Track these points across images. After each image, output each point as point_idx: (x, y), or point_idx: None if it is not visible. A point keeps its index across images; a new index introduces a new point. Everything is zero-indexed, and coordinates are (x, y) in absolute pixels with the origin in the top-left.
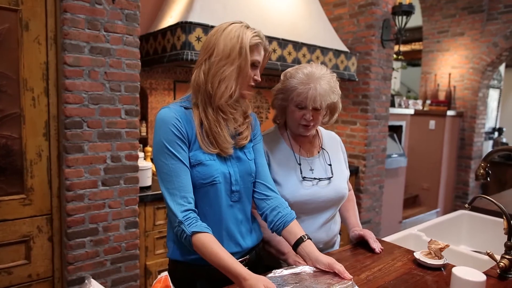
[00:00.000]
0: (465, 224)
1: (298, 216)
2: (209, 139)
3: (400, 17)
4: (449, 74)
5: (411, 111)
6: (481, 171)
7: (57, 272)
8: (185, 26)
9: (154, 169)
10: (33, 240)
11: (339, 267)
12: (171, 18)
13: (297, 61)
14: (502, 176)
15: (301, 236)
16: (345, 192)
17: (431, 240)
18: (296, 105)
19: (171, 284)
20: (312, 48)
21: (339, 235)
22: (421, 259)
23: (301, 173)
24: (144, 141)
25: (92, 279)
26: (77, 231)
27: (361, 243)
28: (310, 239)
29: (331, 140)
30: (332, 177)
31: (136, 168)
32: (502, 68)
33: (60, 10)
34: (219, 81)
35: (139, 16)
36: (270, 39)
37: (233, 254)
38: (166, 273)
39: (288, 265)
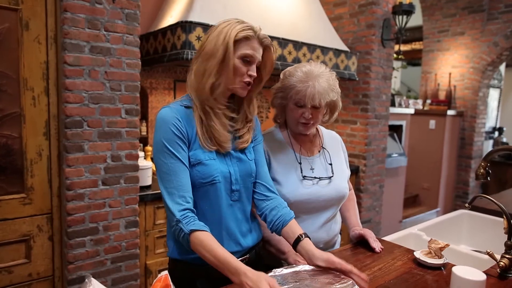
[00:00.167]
0: (465, 223)
1: (299, 216)
2: (208, 135)
3: (400, 17)
4: (450, 74)
5: (411, 110)
6: (481, 170)
7: (57, 271)
8: (185, 26)
9: (154, 169)
10: (33, 239)
11: (338, 260)
12: (171, 17)
13: (297, 61)
14: (502, 175)
15: (299, 235)
16: (346, 192)
17: (431, 239)
18: (295, 103)
19: (171, 283)
20: (312, 47)
21: (339, 235)
22: (421, 258)
23: (301, 172)
24: (144, 141)
25: (92, 278)
26: (77, 230)
27: (361, 243)
28: (309, 237)
29: (331, 140)
30: (332, 176)
31: (136, 168)
32: (502, 67)
33: (60, 10)
34: (201, 75)
35: (139, 15)
36: (270, 38)
37: (233, 253)
38: (166, 272)
39: (288, 264)
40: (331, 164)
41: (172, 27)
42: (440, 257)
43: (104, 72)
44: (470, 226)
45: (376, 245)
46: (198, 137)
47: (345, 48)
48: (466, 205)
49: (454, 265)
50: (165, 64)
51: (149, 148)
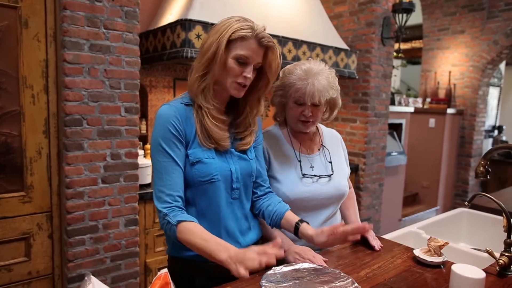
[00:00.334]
0: (465, 221)
1: (299, 214)
2: (206, 132)
3: (400, 15)
4: (449, 72)
5: (411, 109)
6: (481, 169)
7: (57, 269)
8: (185, 24)
9: None
10: (33, 238)
11: (328, 228)
12: (171, 15)
13: (297, 59)
14: (502, 174)
15: (295, 223)
16: (346, 190)
17: (430, 237)
18: (295, 101)
19: (170, 281)
20: (312, 45)
21: None
22: (420, 256)
23: (301, 170)
24: (144, 139)
25: (92, 276)
26: (77, 228)
27: (361, 241)
28: (306, 222)
29: (331, 138)
30: (332, 174)
31: (136, 166)
32: (502, 66)
33: (60, 7)
34: (193, 71)
35: (139, 13)
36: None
37: None
38: (166, 270)
39: (288, 262)
40: (331, 162)
41: (172, 25)
42: (440, 255)
43: (103, 70)
44: (469, 224)
45: (376, 243)
46: (198, 135)
47: (345, 46)
48: (466, 203)
49: (453, 263)
50: (165, 62)
51: (148, 146)
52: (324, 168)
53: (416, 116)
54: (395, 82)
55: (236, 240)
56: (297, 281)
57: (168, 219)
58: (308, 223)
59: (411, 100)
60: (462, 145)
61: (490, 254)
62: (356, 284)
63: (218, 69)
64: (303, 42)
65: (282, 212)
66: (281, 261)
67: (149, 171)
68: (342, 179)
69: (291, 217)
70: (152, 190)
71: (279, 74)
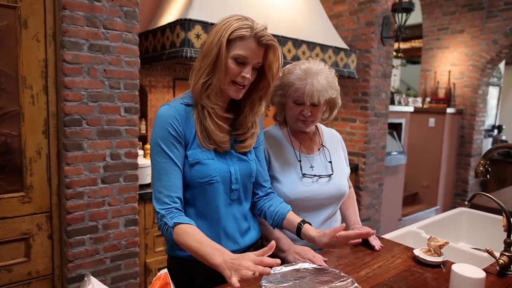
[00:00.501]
0: (465, 221)
1: (299, 214)
2: (206, 133)
3: (400, 15)
4: (449, 72)
5: (410, 108)
6: (481, 168)
7: (57, 270)
8: (184, 23)
9: None
10: (32, 238)
11: (329, 230)
12: (170, 15)
13: (296, 58)
14: (502, 173)
15: (298, 224)
16: (346, 189)
17: (430, 237)
18: (294, 101)
19: (170, 281)
20: (311, 45)
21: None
22: (420, 256)
23: (301, 170)
24: (143, 139)
25: (91, 277)
26: (76, 228)
27: (360, 241)
28: (309, 223)
29: (331, 138)
30: (332, 174)
31: (135, 166)
32: (502, 65)
33: (59, 7)
34: (196, 73)
35: (138, 13)
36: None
37: (231, 252)
38: (165, 270)
39: (288, 262)
40: (330, 162)
41: (171, 25)
42: (440, 255)
43: (103, 70)
44: (469, 224)
45: (376, 243)
46: (197, 135)
47: (344, 46)
48: (466, 203)
49: (453, 263)
50: (164, 62)
51: (148, 146)
52: (324, 168)
53: (416, 115)
54: (395, 81)
55: (236, 240)
56: (297, 281)
57: (166, 220)
58: (311, 224)
59: (410, 99)
60: (461, 144)
61: (490, 253)
62: (356, 284)
63: (222, 70)
64: (302, 41)
65: (284, 212)
66: (281, 261)
67: (148, 171)
68: (342, 179)
69: (293, 217)
70: (151, 191)
71: (279, 74)
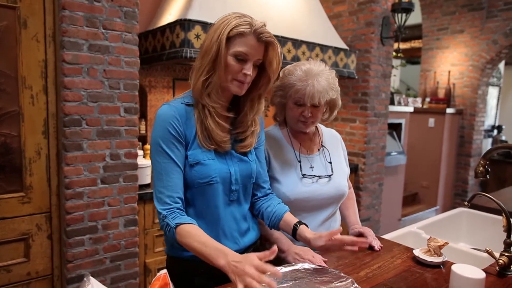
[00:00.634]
0: (464, 221)
1: (298, 214)
2: (206, 133)
3: (399, 15)
4: (449, 72)
5: (410, 109)
6: (481, 168)
7: (56, 270)
8: (184, 24)
9: None
10: (32, 238)
11: (326, 233)
12: (170, 15)
13: (296, 59)
14: (502, 174)
15: (294, 225)
16: (345, 190)
17: (430, 237)
18: (295, 102)
19: (170, 282)
20: (311, 45)
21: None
22: (420, 256)
23: (301, 170)
24: (143, 139)
25: (91, 277)
26: (76, 229)
27: None
28: (305, 224)
29: (331, 138)
30: (332, 174)
31: (135, 166)
32: (501, 65)
33: (59, 8)
34: (196, 71)
35: (138, 13)
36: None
37: None
38: (165, 270)
39: (288, 262)
40: (330, 163)
41: (171, 25)
42: (439, 255)
43: (102, 70)
44: (469, 224)
45: (376, 243)
46: (198, 135)
47: (344, 46)
48: (466, 203)
49: (453, 263)
50: (164, 63)
51: (148, 146)
52: (324, 168)
53: (416, 116)
54: (395, 82)
55: (235, 241)
56: (297, 281)
57: (167, 221)
58: (307, 226)
59: (410, 100)
60: (461, 144)
61: (490, 254)
62: (356, 285)
63: (222, 68)
64: (302, 42)
65: (281, 213)
66: (280, 262)
67: (148, 171)
68: (341, 179)
69: (290, 218)
70: (151, 191)
71: (279, 74)
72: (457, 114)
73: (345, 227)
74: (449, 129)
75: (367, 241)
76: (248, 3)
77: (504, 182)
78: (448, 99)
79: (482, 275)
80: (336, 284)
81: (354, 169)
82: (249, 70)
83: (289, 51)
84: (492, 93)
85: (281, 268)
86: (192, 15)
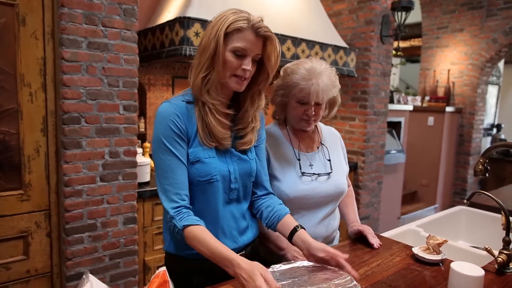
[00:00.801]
0: (464, 219)
1: (298, 211)
2: (207, 130)
3: (399, 13)
4: (448, 70)
5: (410, 107)
6: (480, 167)
7: (55, 268)
8: (183, 21)
9: (153, 165)
10: (31, 236)
11: (333, 251)
12: (169, 13)
13: (296, 57)
14: (501, 172)
15: (295, 226)
16: (344, 188)
17: (429, 235)
18: (298, 101)
19: (169, 279)
20: (311, 43)
21: (338, 231)
22: (419, 254)
23: (300, 168)
24: (142, 137)
25: (90, 275)
26: (75, 226)
27: (359, 239)
28: (304, 229)
29: (330, 136)
30: (331, 172)
31: (134, 164)
32: (501, 64)
33: (57, 5)
34: (195, 68)
35: (137, 11)
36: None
37: None
38: (164, 268)
39: (287, 260)
40: (329, 160)
41: (170, 23)
42: (438, 253)
43: (101, 68)
44: (468, 222)
45: (375, 241)
46: (199, 133)
47: (344, 44)
48: (465, 201)
49: (452, 261)
50: (163, 60)
51: (147, 144)
52: (323, 166)
53: (415, 114)
54: (394, 80)
55: (234, 240)
56: (296, 279)
57: (175, 222)
58: (305, 229)
59: (410, 98)
60: (461, 143)
61: (489, 252)
62: (355, 282)
63: (220, 64)
64: (302, 40)
65: (282, 214)
66: (280, 259)
67: (147, 169)
68: (341, 177)
69: (290, 220)
70: (150, 189)
71: (280, 73)
72: (457, 113)
73: (344, 225)
74: (449, 127)
75: (356, 276)
76: (248, 1)
77: (503, 181)
78: (447, 98)
79: (481, 272)
80: (335, 282)
81: (353, 167)
82: (248, 65)
83: (288, 49)
84: (492, 92)
85: (280, 266)
86: (192, 13)
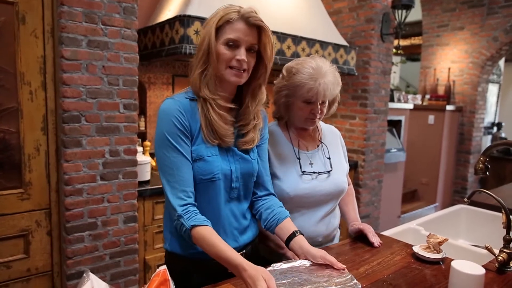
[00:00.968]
0: (464, 218)
1: (298, 210)
2: (210, 127)
3: (399, 11)
4: (449, 69)
5: (410, 105)
6: (480, 165)
7: (56, 266)
8: (183, 20)
9: (153, 164)
10: (31, 235)
11: (331, 259)
12: (169, 11)
13: (296, 55)
14: (501, 170)
15: (293, 231)
16: (345, 186)
17: (430, 234)
18: (305, 101)
19: (169, 278)
20: (311, 42)
21: (338, 229)
22: (419, 253)
23: (300, 167)
24: (142, 136)
25: (90, 273)
26: (76, 225)
27: (360, 237)
28: (303, 235)
29: (330, 134)
30: (331, 170)
31: (134, 163)
32: (501, 62)
33: (57, 3)
34: (193, 65)
35: (137, 9)
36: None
37: None
38: (164, 266)
39: (287, 259)
40: (329, 159)
41: (170, 21)
42: (439, 251)
43: (101, 66)
44: (468, 220)
45: (375, 240)
46: (202, 130)
47: (344, 42)
48: (465, 199)
49: (452, 260)
50: (164, 59)
51: (147, 143)
52: (323, 165)
53: (415, 112)
54: (394, 78)
55: (234, 238)
56: (296, 277)
57: (183, 221)
58: (303, 235)
59: (410, 96)
60: (461, 141)
61: (489, 250)
62: (355, 281)
63: (214, 59)
64: (302, 38)
65: (282, 217)
66: (280, 258)
67: (148, 168)
68: (341, 175)
69: (289, 224)
70: (151, 187)
71: (283, 73)
72: (457, 111)
73: (345, 224)
74: (449, 126)
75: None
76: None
77: (504, 179)
78: (448, 96)
79: (482, 271)
80: (336, 280)
81: (353, 166)
82: (242, 55)
83: (288, 47)
84: (492, 90)
85: (281, 265)
86: (192, 11)
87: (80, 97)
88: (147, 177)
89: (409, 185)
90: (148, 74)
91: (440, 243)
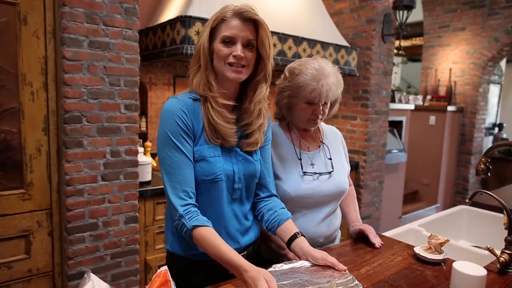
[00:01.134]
0: (465, 219)
1: (299, 210)
2: (213, 127)
3: (401, 12)
4: (450, 69)
5: (411, 106)
6: (482, 166)
7: (57, 267)
8: (184, 20)
9: (154, 164)
10: (33, 235)
11: (332, 260)
12: (170, 12)
13: (297, 56)
14: (502, 171)
15: (295, 233)
16: (346, 186)
17: (431, 235)
18: (307, 102)
19: (170, 278)
20: (312, 42)
21: (339, 230)
22: (421, 254)
23: (301, 168)
24: (143, 136)
25: (91, 274)
26: (77, 226)
27: (361, 238)
28: (304, 236)
29: (332, 135)
30: (332, 171)
31: (135, 163)
32: (503, 63)
33: (59, 4)
34: (192, 66)
35: (138, 10)
36: (271, 33)
37: None
38: (165, 267)
39: (288, 259)
40: (330, 159)
41: (172, 22)
42: (440, 252)
43: (103, 67)
44: (470, 221)
45: (376, 241)
46: (205, 130)
47: (345, 43)
48: (467, 200)
49: (454, 261)
50: (165, 59)
51: (148, 143)
52: (324, 165)
53: (417, 113)
54: (396, 79)
55: (236, 239)
56: (297, 278)
57: (184, 221)
58: (305, 237)
59: (411, 97)
60: (462, 142)
61: (491, 251)
62: (356, 282)
63: (213, 57)
64: (303, 39)
65: (283, 218)
66: (281, 259)
67: (149, 168)
68: (342, 176)
69: (291, 226)
70: (152, 188)
71: (285, 73)
72: (458, 112)
73: (346, 225)
74: (450, 127)
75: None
76: (249, 0)
77: (505, 180)
78: (449, 97)
79: (484, 272)
80: (337, 281)
81: (354, 167)
82: (239, 51)
83: (290, 48)
84: (493, 91)
85: (282, 265)
86: (193, 12)
87: (81, 97)
88: (148, 177)
89: (410, 185)
90: (149, 75)
91: (441, 244)
